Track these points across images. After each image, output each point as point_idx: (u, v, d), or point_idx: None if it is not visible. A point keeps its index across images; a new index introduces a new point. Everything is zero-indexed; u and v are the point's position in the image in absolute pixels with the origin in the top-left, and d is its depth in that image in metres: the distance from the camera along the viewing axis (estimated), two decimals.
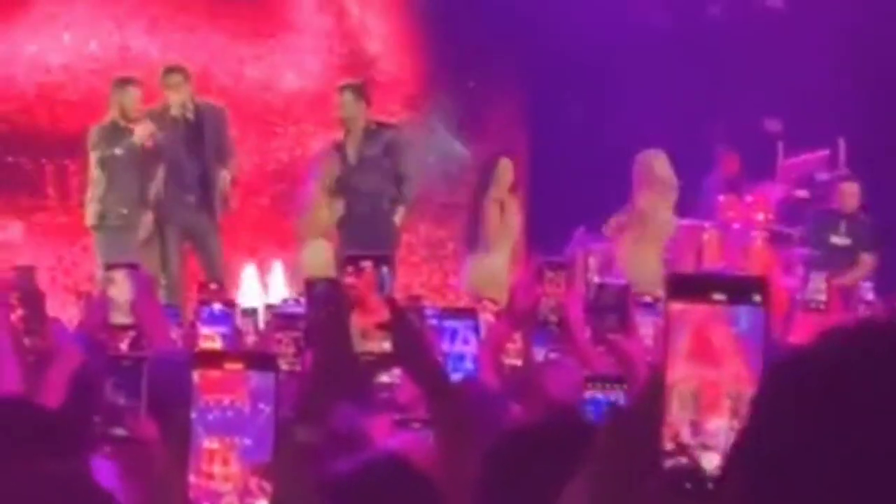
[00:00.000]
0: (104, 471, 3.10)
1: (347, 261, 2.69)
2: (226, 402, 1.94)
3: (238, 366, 1.95)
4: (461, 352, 4.17)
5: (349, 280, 2.65)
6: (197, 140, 10.43)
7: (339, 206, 10.54)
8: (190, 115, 10.43)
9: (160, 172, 10.43)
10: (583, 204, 10.72)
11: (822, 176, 12.14)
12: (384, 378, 4.16)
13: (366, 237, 10.01)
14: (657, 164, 10.45)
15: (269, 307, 6.91)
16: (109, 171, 10.31)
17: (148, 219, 10.38)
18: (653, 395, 1.71)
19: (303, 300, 7.52)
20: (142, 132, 10.28)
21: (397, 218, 10.47)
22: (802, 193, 12.19)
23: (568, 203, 11.17)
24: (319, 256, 10.68)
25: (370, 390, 4.08)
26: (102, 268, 8.13)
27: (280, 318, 5.33)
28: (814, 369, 1.47)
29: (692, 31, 12.73)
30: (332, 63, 12.85)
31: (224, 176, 10.48)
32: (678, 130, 11.40)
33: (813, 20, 12.62)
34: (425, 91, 13.00)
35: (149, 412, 3.41)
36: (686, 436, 1.70)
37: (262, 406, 1.94)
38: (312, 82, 12.73)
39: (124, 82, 10.53)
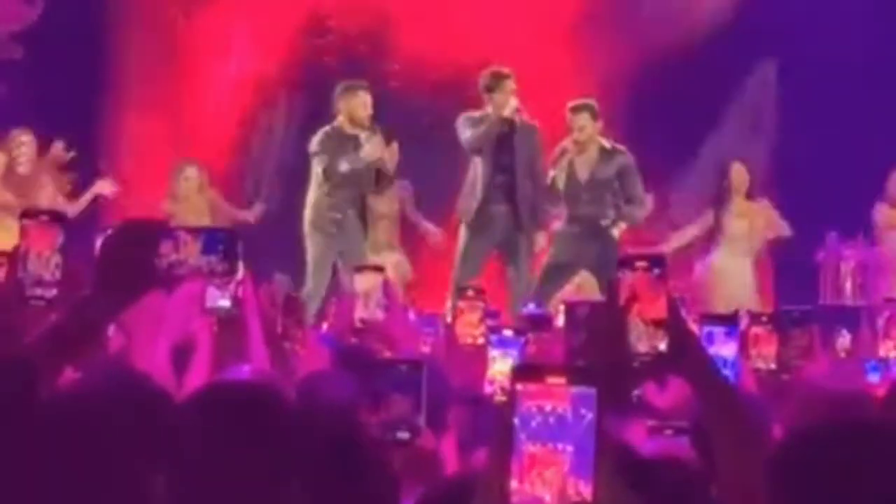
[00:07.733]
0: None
1: (623, 261, 2.66)
2: (549, 408, 1.96)
3: (560, 380, 1.97)
4: (720, 355, 4.09)
5: (626, 280, 2.62)
6: (510, 150, 10.42)
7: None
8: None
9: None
10: (834, 206, 10.47)
11: None
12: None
13: (585, 249, 10.33)
14: None
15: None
16: (330, 179, 10.38)
17: None
18: None
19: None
20: (371, 150, 10.34)
21: (616, 232, 10.53)
22: None
23: (818, 204, 10.97)
24: None
25: (629, 396, 4.04)
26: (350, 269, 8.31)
27: (526, 320, 5.37)
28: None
29: None
30: None
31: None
32: None
33: None
34: None
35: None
36: None
37: (584, 413, 1.95)
38: None
39: (353, 87, 10.52)
